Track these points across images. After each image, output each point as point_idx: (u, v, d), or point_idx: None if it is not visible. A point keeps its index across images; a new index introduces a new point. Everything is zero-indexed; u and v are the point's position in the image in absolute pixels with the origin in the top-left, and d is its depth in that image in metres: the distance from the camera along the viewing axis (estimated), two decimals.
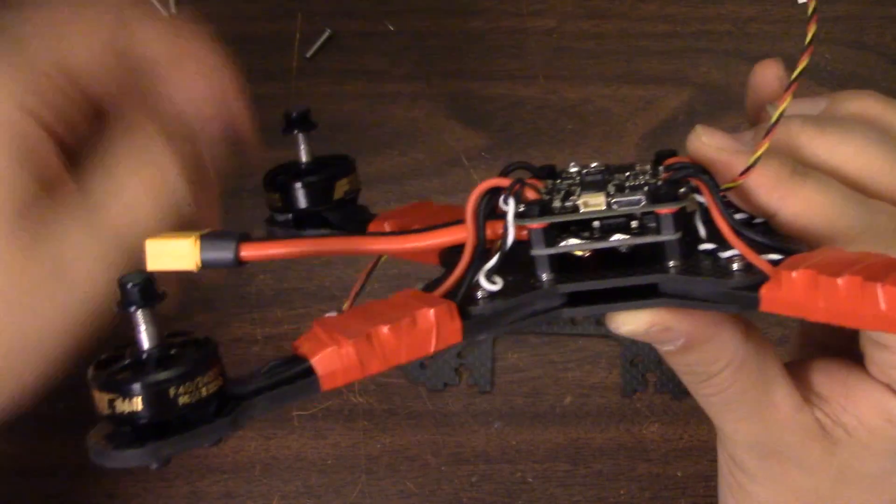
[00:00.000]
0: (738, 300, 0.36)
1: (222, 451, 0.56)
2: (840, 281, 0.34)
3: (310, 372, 0.35)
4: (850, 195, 0.39)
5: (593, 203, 0.37)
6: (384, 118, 0.61)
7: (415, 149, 0.61)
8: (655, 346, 0.40)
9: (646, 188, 0.38)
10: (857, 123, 0.41)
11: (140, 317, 0.34)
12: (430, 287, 0.38)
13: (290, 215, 0.46)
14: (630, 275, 0.37)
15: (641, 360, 0.57)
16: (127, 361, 0.34)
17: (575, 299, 0.38)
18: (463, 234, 0.38)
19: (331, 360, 0.35)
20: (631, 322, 0.38)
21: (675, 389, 0.57)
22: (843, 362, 0.42)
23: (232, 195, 0.60)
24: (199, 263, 0.38)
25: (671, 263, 0.38)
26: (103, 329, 0.39)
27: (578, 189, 0.39)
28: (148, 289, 0.34)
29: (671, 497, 0.58)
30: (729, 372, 0.41)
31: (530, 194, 0.38)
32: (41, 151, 0.40)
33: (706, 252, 0.38)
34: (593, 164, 0.41)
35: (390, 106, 0.62)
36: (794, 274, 0.34)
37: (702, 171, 0.38)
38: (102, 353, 0.34)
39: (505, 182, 0.38)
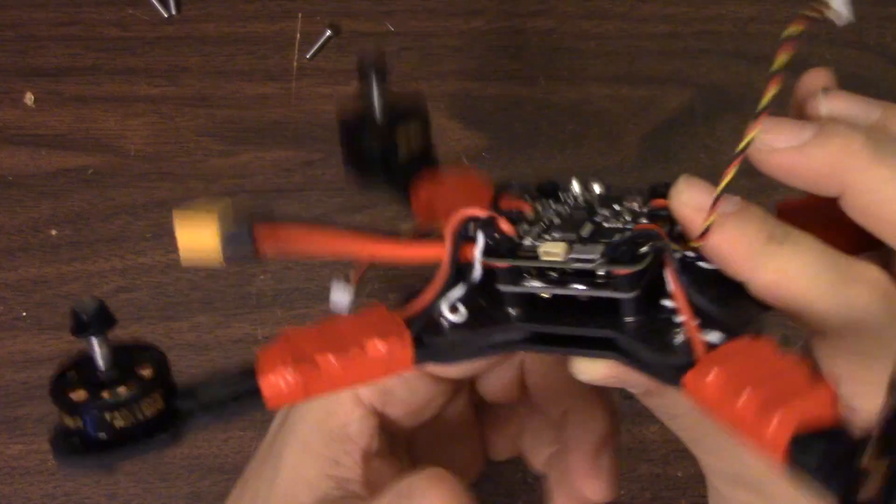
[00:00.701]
0: (669, 380, 0.36)
1: (223, 452, 0.56)
2: (741, 395, 0.33)
3: (257, 391, 0.37)
4: (827, 267, 0.36)
5: (553, 252, 0.37)
6: None
7: None
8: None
9: (609, 240, 0.38)
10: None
11: (94, 342, 0.36)
12: (408, 298, 0.39)
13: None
14: (587, 325, 0.38)
15: None
16: (85, 377, 0.36)
17: (533, 338, 0.39)
18: (440, 253, 0.38)
19: (276, 384, 0.37)
20: (588, 372, 0.39)
21: None
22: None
23: (232, 195, 0.60)
24: (223, 262, 0.38)
25: (627, 319, 0.38)
26: None
27: (557, 221, 0.39)
28: (101, 316, 0.36)
29: (671, 497, 0.58)
30: (694, 414, 0.40)
31: (505, 227, 0.39)
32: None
33: (667, 309, 0.38)
34: (595, 186, 0.41)
35: None
36: (709, 374, 0.34)
37: (664, 241, 0.37)
38: (63, 363, 0.37)
39: (479, 213, 0.39)
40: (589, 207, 0.40)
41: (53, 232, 0.59)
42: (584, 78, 0.62)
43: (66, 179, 0.60)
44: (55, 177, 0.60)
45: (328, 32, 0.62)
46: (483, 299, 0.39)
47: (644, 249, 0.37)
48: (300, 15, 0.63)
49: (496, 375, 0.45)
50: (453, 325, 0.38)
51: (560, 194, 0.41)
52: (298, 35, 0.62)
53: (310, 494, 0.43)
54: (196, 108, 0.61)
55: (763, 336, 0.35)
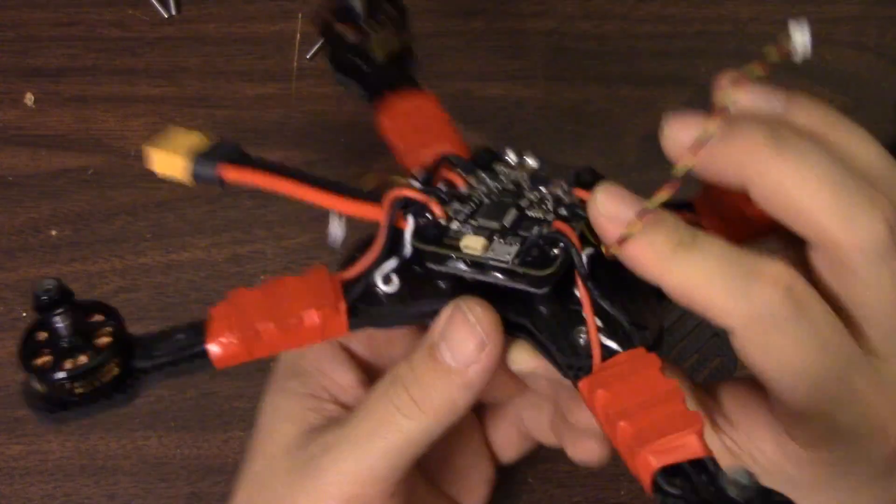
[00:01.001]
0: (569, 377, 0.40)
1: (223, 452, 0.56)
2: (617, 424, 0.37)
3: (205, 354, 0.41)
4: (730, 268, 0.38)
5: (472, 246, 0.40)
6: None
7: None
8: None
9: (530, 234, 0.41)
10: (813, 148, 0.39)
11: (56, 318, 0.39)
12: (350, 260, 0.42)
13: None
14: (506, 309, 0.41)
15: None
16: (44, 344, 0.39)
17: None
18: (377, 214, 0.42)
19: (223, 348, 0.41)
20: (520, 361, 0.42)
21: None
22: (751, 389, 0.42)
23: (232, 195, 0.60)
24: (192, 180, 0.43)
25: (540, 308, 0.41)
26: None
27: (485, 206, 0.42)
28: (61, 294, 0.39)
29: None
30: None
31: (437, 211, 0.41)
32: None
33: (575, 299, 0.40)
34: (529, 160, 0.44)
35: None
36: (598, 391, 0.38)
37: (573, 241, 0.40)
38: (31, 326, 0.40)
39: (414, 195, 0.41)
40: (517, 188, 0.43)
41: (53, 232, 0.59)
42: (584, 78, 0.62)
43: (66, 179, 0.60)
44: (55, 177, 0.60)
45: None
46: (419, 267, 0.42)
47: (556, 252, 0.40)
48: (300, 15, 0.63)
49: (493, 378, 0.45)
50: (386, 295, 0.41)
51: (494, 166, 0.43)
52: (298, 35, 0.62)
53: (292, 427, 0.44)
54: (196, 108, 0.61)
55: (653, 353, 0.39)
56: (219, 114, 0.61)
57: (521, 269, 0.40)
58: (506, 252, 0.40)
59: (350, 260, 0.43)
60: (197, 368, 0.41)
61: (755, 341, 0.38)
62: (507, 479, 0.54)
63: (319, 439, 0.43)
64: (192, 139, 0.43)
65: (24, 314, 0.57)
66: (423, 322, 0.42)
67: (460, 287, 0.41)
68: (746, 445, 0.42)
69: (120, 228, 0.59)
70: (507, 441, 0.51)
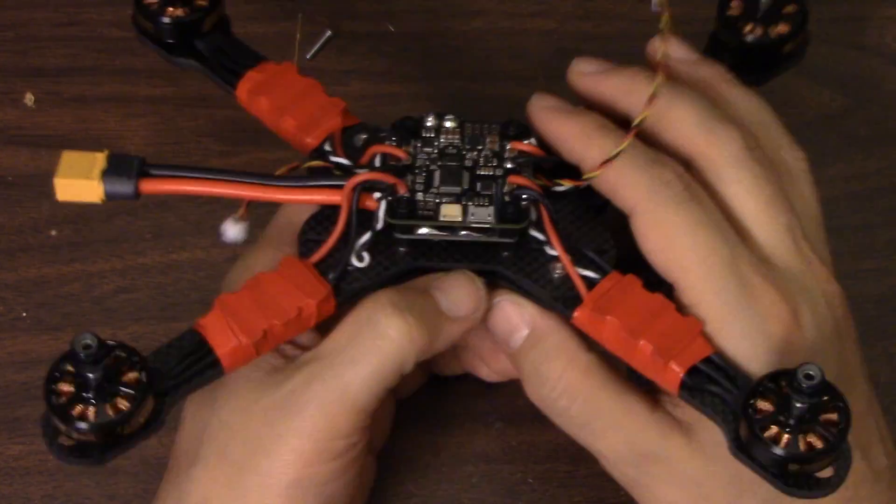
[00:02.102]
0: (554, 307, 0.45)
1: None
2: (637, 344, 0.43)
3: (217, 363, 0.42)
4: (642, 156, 0.45)
5: (451, 214, 0.45)
6: (385, 119, 0.61)
7: None
8: (507, 351, 0.47)
9: (493, 192, 0.45)
10: (687, 90, 0.47)
11: (90, 371, 0.40)
12: (306, 243, 0.46)
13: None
14: (473, 261, 0.46)
15: None
16: (76, 392, 0.40)
17: (426, 272, 0.46)
18: (338, 200, 0.45)
19: (234, 354, 0.43)
20: (518, 302, 0.46)
21: None
22: None
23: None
24: (104, 198, 0.45)
25: (504, 253, 0.45)
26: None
27: (437, 174, 0.46)
28: (99, 353, 0.39)
29: None
30: (575, 374, 0.45)
31: (402, 190, 0.45)
32: None
33: (535, 240, 0.45)
34: (448, 122, 0.48)
35: (391, 107, 0.62)
36: (605, 319, 0.43)
37: (540, 192, 0.45)
38: (52, 375, 0.40)
39: (381, 178, 0.45)
40: (456, 150, 0.47)
41: (53, 232, 0.59)
42: None
43: None
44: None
45: (328, 33, 0.62)
46: (373, 242, 0.45)
47: (524, 203, 0.45)
48: (300, 15, 0.63)
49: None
50: (359, 270, 0.45)
51: (422, 132, 0.47)
52: (298, 35, 0.62)
53: (256, 371, 0.45)
54: (196, 108, 0.61)
55: (628, 274, 0.44)
56: (219, 114, 0.61)
57: (499, 226, 0.45)
58: (485, 214, 0.45)
59: (307, 243, 0.46)
60: (210, 379, 0.43)
61: (652, 217, 0.44)
62: (507, 479, 0.54)
63: (296, 376, 0.44)
64: (92, 160, 0.45)
65: (24, 314, 0.57)
66: (387, 285, 0.45)
67: (422, 249, 0.46)
68: (687, 408, 0.44)
69: (120, 228, 0.59)
70: (447, 364, 0.53)
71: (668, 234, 0.44)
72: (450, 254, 0.46)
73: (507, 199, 0.45)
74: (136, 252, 0.58)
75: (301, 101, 0.48)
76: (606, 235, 0.46)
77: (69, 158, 0.45)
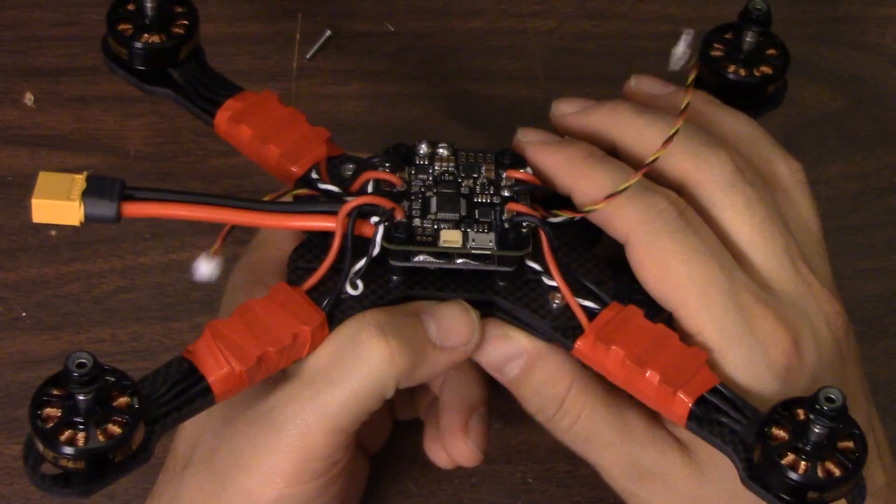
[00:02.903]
0: (554, 339, 0.44)
1: None
2: (643, 375, 0.42)
3: (208, 390, 0.41)
4: (632, 194, 0.44)
5: (451, 240, 0.44)
6: (385, 119, 0.62)
7: None
8: (503, 380, 0.45)
9: (493, 219, 0.45)
10: (669, 115, 0.46)
11: (81, 395, 0.38)
12: (296, 270, 0.44)
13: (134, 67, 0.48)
14: (469, 290, 0.44)
15: None
16: (67, 418, 0.38)
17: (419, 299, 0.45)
18: (331, 226, 0.44)
19: (225, 381, 0.41)
20: (513, 336, 0.45)
21: None
22: None
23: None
24: (83, 220, 0.42)
25: (501, 283, 0.44)
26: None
27: (434, 200, 0.45)
28: (94, 373, 0.38)
29: None
30: (576, 393, 0.45)
31: (400, 215, 0.44)
32: None
33: (532, 270, 0.44)
34: (441, 150, 0.47)
35: (391, 106, 0.62)
36: (609, 349, 0.42)
37: (541, 218, 0.44)
38: (39, 399, 0.39)
39: (378, 202, 0.44)
40: (453, 179, 0.46)
41: (53, 232, 0.59)
42: (584, 78, 0.62)
43: None
44: None
45: (328, 32, 0.62)
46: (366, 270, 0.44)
47: (524, 230, 0.44)
48: (300, 15, 0.63)
49: None
50: (352, 298, 0.44)
51: (416, 159, 0.46)
52: (298, 35, 0.62)
53: None
54: None
55: (629, 305, 0.43)
56: None
57: (500, 253, 0.44)
58: (486, 240, 0.44)
59: (297, 271, 0.44)
60: (200, 408, 0.41)
61: (647, 247, 0.43)
62: (507, 479, 0.54)
63: (278, 392, 0.44)
64: (70, 181, 0.42)
65: (24, 314, 0.57)
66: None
67: (416, 278, 0.44)
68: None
69: (120, 228, 0.59)
70: (406, 409, 0.52)
71: (664, 263, 0.43)
72: (445, 283, 0.44)
73: (506, 226, 0.44)
74: (136, 252, 0.58)
75: (284, 129, 0.47)
76: (603, 267, 0.45)
77: (46, 179, 0.42)
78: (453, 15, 0.64)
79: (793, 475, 0.38)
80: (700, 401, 0.41)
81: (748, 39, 0.49)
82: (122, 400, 0.39)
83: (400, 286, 0.44)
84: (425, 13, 0.64)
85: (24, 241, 0.58)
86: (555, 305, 0.44)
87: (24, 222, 0.59)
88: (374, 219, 0.44)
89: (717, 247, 0.44)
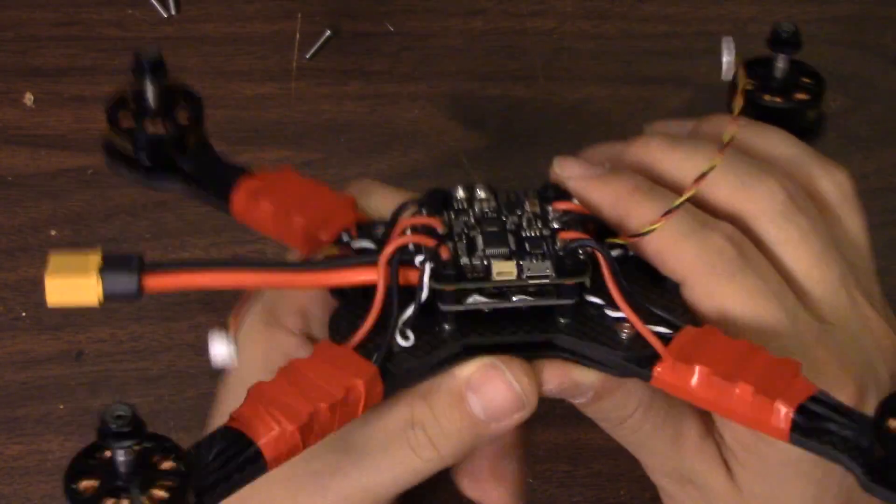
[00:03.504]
0: (629, 372, 0.40)
1: None
2: (735, 388, 0.38)
3: (258, 456, 0.37)
4: (688, 220, 0.42)
5: (505, 272, 0.40)
6: (384, 119, 0.61)
7: (415, 149, 0.61)
8: (569, 400, 0.43)
9: (546, 249, 0.41)
10: (709, 142, 0.44)
11: (121, 453, 0.34)
12: (337, 329, 0.41)
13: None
14: (527, 331, 0.40)
15: None
16: (107, 486, 0.34)
17: (475, 349, 0.41)
18: (373, 277, 0.40)
19: (277, 444, 0.37)
20: (585, 377, 0.41)
21: None
22: None
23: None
24: (102, 299, 0.38)
25: (562, 321, 0.41)
26: None
27: (479, 237, 0.41)
28: (133, 426, 0.34)
29: None
30: (640, 413, 0.43)
31: (442, 252, 0.40)
32: None
33: (593, 305, 0.41)
34: (480, 193, 0.43)
35: (390, 106, 0.62)
36: (692, 368, 0.38)
37: (599, 241, 0.41)
38: (73, 471, 0.35)
39: (420, 241, 0.40)
40: (496, 214, 0.42)
41: (53, 232, 0.59)
42: (584, 78, 0.62)
43: (66, 179, 0.60)
44: (55, 177, 0.60)
45: (328, 32, 0.62)
46: (415, 319, 0.40)
47: (581, 258, 0.40)
48: (300, 15, 0.63)
49: None
50: (404, 350, 0.40)
51: (453, 203, 0.43)
52: (298, 35, 0.62)
53: (264, 371, 0.42)
54: None
55: (702, 325, 0.40)
56: (219, 114, 0.61)
57: (559, 281, 0.40)
58: (543, 268, 0.40)
59: (339, 330, 0.41)
60: (252, 476, 0.37)
61: (705, 287, 0.41)
62: None
63: (323, 458, 0.43)
64: (85, 259, 0.39)
65: (24, 314, 0.57)
66: (439, 373, 0.41)
67: (470, 324, 0.41)
68: (729, 441, 0.43)
69: (120, 228, 0.59)
70: None
71: (725, 304, 0.41)
72: (502, 325, 0.41)
73: (561, 253, 0.41)
74: (135, 252, 0.58)
75: (307, 200, 0.44)
76: (671, 294, 0.42)
77: (58, 260, 0.38)
78: (453, 15, 0.64)
79: None
80: (801, 410, 0.38)
81: (780, 66, 0.48)
82: (167, 464, 0.35)
83: (454, 334, 0.41)
84: (425, 13, 0.64)
85: (24, 241, 0.58)
86: (624, 335, 0.40)
87: (24, 222, 0.59)
88: (419, 258, 0.40)
89: (777, 285, 0.42)
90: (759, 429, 0.39)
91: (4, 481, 0.53)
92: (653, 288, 0.42)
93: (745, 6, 0.62)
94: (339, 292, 0.42)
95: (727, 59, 0.45)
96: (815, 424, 0.38)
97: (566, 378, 0.41)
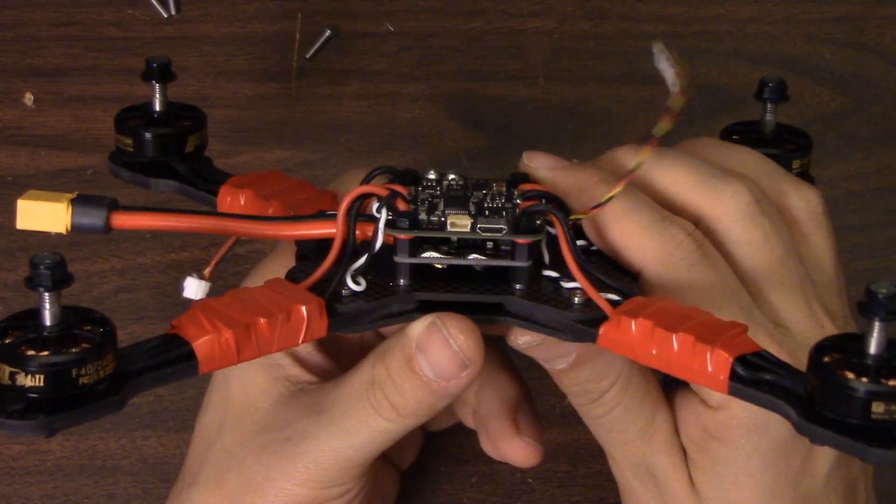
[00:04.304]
0: (577, 332, 0.41)
1: None
2: (674, 337, 0.38)
3: (190, 356, 0.38)
4: (650, 215, 0.43)
5: (460, 224, 0.41)
6: (384, 119, 0.62)
7: (415, 149, 0.61)
8: (546, 365, 0.44)
9: (504, 214, 0.42)
10: (679, 152, 0.45)
11: (47, 297, 0.36)
12: (294, 276, 0.42)
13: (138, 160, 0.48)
14: (480, 292, 0.41)
15: None
16: (30, 336, 0.36)
17: (427, 306, 0.42)
18: (332, 229, 0.41)
19: (210, 346, 0.38)
20: (527, 334, 0.42)
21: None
22: (680, 387, 0.45)
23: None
24: (69, 227, 0.41)
25: (518, 286, 0.42)
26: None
27: (441, 202, 0.42)
28: (59, 271, 0.36)
29: None
30: (617, 389, 0.44)
31: (400, 204, 0.42)
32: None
33: (549, 278, 0.42)
34: (451, 176, 0.44)
35: (390, 107, 0.62)
36: (633, 321, 0.39)
37: (557, 206, 0.42)
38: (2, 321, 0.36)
39: (377, 190, 0.42)
40: (462, 190, 0.44)
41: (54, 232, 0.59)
42: (584, 78, 0.62)
43: (66, 179, 0.60)
44: (55, 177, 0.60)
45: (328, 33, 0.62)
46: (371, 272, 0.42)
47: (538, 222, 0.42)
48: (300, 15, 0.63)
49: None
50: (354, 294, 0.41)
51: (423, 182, 0.44)
52: (298, 35, 0.62)
53: (265, 400, 0.45)
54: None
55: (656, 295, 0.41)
56: (219, 114, 0.61)
57: (503, 243, 0.41)
58: (498, 223, 0.41)
59: (295, 277, 0.42)
60: (182, 374, 0.38)
61: (663, 278, 0.42)
62: (507, 479, 0.54)
63: (295, 423, 0.44)
64: (59, 194, 0.43)
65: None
66: (390, 324, 0.42)
67: (425, 280, 0.42)
68: (682, 440, 0.45)
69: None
70: (438, 414, 0.51)
71: (679, 297, 0.42)
72: (457, 285, 0.42)
73: (518, 212, 0.42)
74: (136, 252, 0.58)
75: (289, 192, 0.46)
76: (625, 271, 0.44)
77: (35, 192, 0.43)
78: (453, 15, 0.64)
79: (856, 387, 0.35)
80: (741, 361, 0.38)
81: (768, 117, 0.49)
82: (90, 327, 0.37)
83: (407, 288, 0.42)
84: (425, 13, 0.64)
85: (24, 241, 0.58)
86: (576, 301, 0.41)
87: None
88: (375, 204, 0.42)
89: (733, 283, 0.43)
90: (700, 381, 0.39)
91: (4, 481, 0.54)
92: (613, 272, 0.43)
93: (745, 6, 0.62)
94: (302, 256, 0.44)
95: (664, 67, 0.46)
96: (755, 375, 0.38)
97: (542, 343, 0.42)
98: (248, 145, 0.61)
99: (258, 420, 0.44)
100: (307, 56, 0.62)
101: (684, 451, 0.45)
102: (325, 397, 0.44)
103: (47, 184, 0.60)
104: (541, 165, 0.46)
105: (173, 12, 0.62)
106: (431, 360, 0.42)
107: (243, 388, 0.45)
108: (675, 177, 0.44)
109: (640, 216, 0.43)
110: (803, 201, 0.46)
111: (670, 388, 0.45)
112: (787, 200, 0.46)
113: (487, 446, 0.48)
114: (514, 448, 0.47)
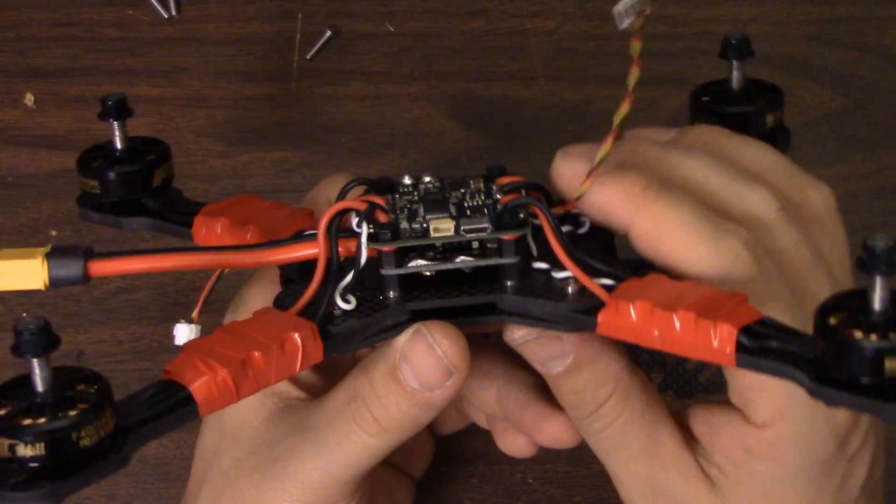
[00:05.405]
0: (575, 322, 0.40)
1: None
2: (675, 316, 0.37)
3: (189, 400, 0.37)
4: (705, 220, 0.40)
5: (443, 228, 0.40)
6: (384, 119, 0.62)
7: (415, 150, 0.61)
8: (543, 370, 0.43)
9: (486, 211, 0.41)
10: (697, 149, 0.44)
11: (36, 364, 0.35)
12: (282, 302, 0.41)
13: (107, 201, 0.47)
14: (472, 293, 0.41)
15: (645, 359, 0.57)
16: (24, 405, 0.35)
17: (420, 315, 0.41)
18: (315, 249, 0.41)
19: (208, 387, 0.37)
20: (522, 328, 0.42)
21: (679, 390, 0.57)
22: (710, 403, 0.44)
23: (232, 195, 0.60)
24: (48, 282, 0.40)
25: (509, 283, 0.41)
26: None
27: (421, 208, 0.42)
28: (45, 335, 0.35)
29: None
30: (616, 400, 0.43)
31: (380, 216, 0.41)
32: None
33: (540, 271, 0.41)
34: (427, 178, 0.43)
35: (391, 107, 0.62)
36: (631, 305, 0.38)
37: (538, 197, 0.41)
38: None
39: (355, 204, 0.41)
40: (440, 191, 0.43)
41: (53, 232, 0.59)
42: (584, 78, 0.62)
43: (66, 180, 0.60)
44: (55, 177, 0.60)
45: (328, 33, 0.62)
46: (359, 288, 0.41)
47: (521, 216, 0.41)
48: (300, 15, 0.63)
49: None
50: (345, 314, 0.40)
51: (399, 188, 0.43)
52: (298, 35, 0.62)
53: (255, 418, 0.45)
54: (196, 108, 0.61)
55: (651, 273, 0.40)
56: (219, 114, 0.61)
57: (488, 242, 0.40)
58: (481, 222, 0.40)
59: (283, 304, 0.41)
60: (183, 420, 0.37)
61: (720, 288, 0.40)
62: (507, 479, 0.54)
63: (283, 443, 0.44)
64: (33, 250, 0.41)
65: (25, 314, 0.57)
66: (384, 339, 0.42)
67: (414, 290, 0.41)
68: (713, 457, 0.43)
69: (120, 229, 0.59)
70: (447, 417, 0.52)
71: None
72: (447, 290, 0.41)
73: (500, 209, 0.41)
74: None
75: (265, 214, 0.45)
76: (614, 254, 0.43)
77: (7, 251, 0.41)
78: (453, 15, 0.64)
79: (866, 345, 0.34)
80: (746, 331, 0.37)
81: (735, 74, 0.48)
82: (85, 386, 0.36)
83: (398, 299, 0.41)
84: (425, 13, 0.64)
85: (24, 241, 0.58)
86: (570, 290, 0.40)
87: (24, 222, 0.59)
88: (356, 219, 0.41)
89: (790, 297, 0.42)
90: (706, 358, 0.38)
91: None
92: (603, 255, 0.42)
93: (746, 6, 0.62)
94: (287, 279, 0.43)
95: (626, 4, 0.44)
96: (761, 344, 0.37)
97: (553, 334, 0.41)
98: (248, 145, 0.61)
99: (250, 439, 0.44)
100: (307, 56, 0.62)
101: (697, 464, 0.43)
102: (311, 414, 0.44)
103: (48, 184, 0.60)
104: (576, 174, 0.42)
105: (173, 12, 0.62)
106: (415, 368, 0.41)
107: (236, 406, 0.45)
108: (699, 178, 0.43)
109: (695, 223, 0.41)
110: (820, 197, 0.45)
111: (690, 396, 0.44)
112: (807, 195, 0.45)
113: (511, 446, 0.48)
114: (559, 425, 0.46)
